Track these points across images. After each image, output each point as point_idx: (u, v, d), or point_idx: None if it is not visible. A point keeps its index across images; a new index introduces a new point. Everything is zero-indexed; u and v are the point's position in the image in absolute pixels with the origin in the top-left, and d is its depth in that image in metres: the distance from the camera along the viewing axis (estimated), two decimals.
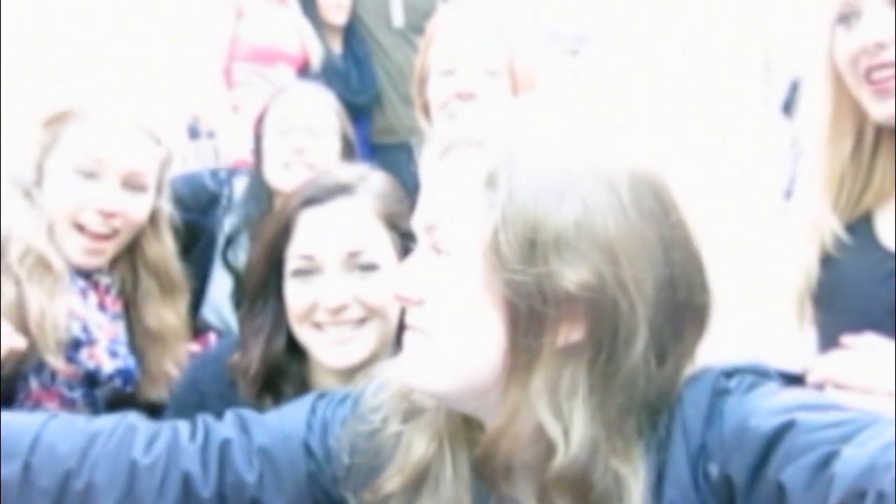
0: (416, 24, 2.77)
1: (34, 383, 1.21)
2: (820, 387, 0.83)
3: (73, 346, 1.22)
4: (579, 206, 0.61)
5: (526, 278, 0.61)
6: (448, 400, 0.70)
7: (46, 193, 1.21)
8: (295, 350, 1.09)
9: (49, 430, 0.74)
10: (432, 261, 0.67)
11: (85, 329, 1.23)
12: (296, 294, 1.05)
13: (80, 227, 1.20)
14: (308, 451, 0.78)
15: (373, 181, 1.08)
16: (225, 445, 0.77)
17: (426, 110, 1.51)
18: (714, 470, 0.62)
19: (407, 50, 2.72)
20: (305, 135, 1.64)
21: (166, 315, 1.33)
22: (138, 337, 1.31)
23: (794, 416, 0.59)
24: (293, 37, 2.62)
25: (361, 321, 1.04)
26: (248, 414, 0.81)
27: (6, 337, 1.01)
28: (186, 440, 0.76)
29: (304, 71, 2.66)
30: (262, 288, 1.09)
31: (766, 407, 0.62)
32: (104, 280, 1.29)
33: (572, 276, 0.60)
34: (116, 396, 1.31)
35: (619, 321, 0.62)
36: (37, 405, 1.22)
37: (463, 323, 0.65)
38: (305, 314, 1.04)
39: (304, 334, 1.05)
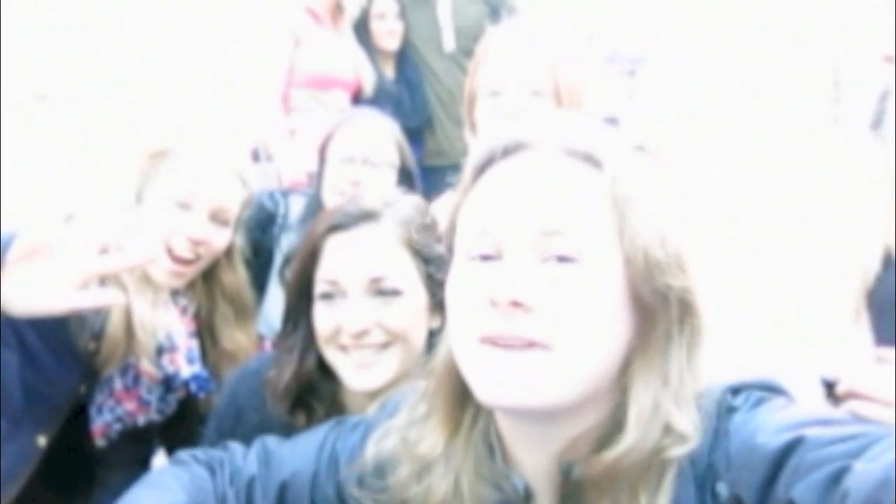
0: (467, 48, 2.88)
1: (118, 384, 1.35)
2: (846, 397, 0.85)
3: (157, 352, 1.35)
4: (678, 224, 0.69)
5: (663, 286, 0.66)
6: (558, 412, 0.68)
7: (143, 218, 1.35)
8: (326, 369, 1.12)
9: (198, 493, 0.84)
10: (549, 268, 0.66)
11: (168, 337, 1.37)
12: (322, 317, 1.08)
13: (169, 251, 1.33)
14: (315, 484, 0.83)
15: (399, 208, 1.11)
16: (250, 484, 0.85)
17: (475, 130, 1.59)
18: (723, 490, 0.63)
19: (457, 73, 2.83)
20: (364, 166, 1.74)
21: (240, 337, 1.46)
22: (212, 356, 1.44)
23: (801, 432, 0.60)
24: (347, 63, 2.76)
25: (384, 345, 1.06)
26: (271, 446, 0.89)
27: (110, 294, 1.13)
28: (227, 485, 0.85)
29: (357, 96, 2.80)
30: (295, 309, 1.14)
31: (773, 423, 0.62)
32: (182, 301, 1.43)
33: (686, 281, 0.67)
34: (181, 409, 1.44)
35: (697, 319, 0.69)
36: (117, 404, 1.35)
37: (593, 330, 0.65)
38: (331, 337, 1.08)
39: (330, 356, 1.09)
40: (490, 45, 1.59)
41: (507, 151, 0.70)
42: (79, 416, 1.34)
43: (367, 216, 1.09)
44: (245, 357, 1.43)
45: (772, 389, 0.68)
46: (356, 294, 1.06)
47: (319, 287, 1.09)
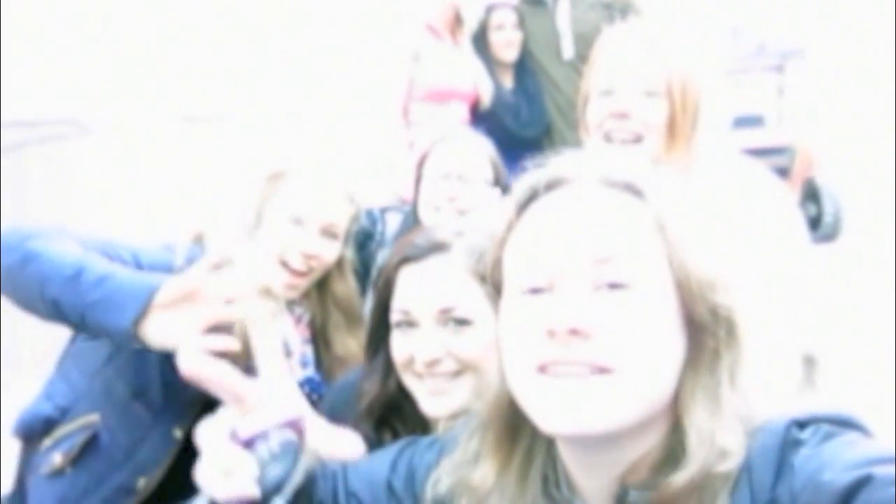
0: (586, 55, 2.88)
1: None
2: None
3: None
4: (721, 247, 0.73)
5: (712, 306, 0.70)
6: (620, 436, 0.70)
7: (262, 234, 1.51)
8: (407, 391, 1.18)
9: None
10: (603, 295, 0.69)
11: (285, 343, 1.51)
12: (398, 345, 1.15)
13: (284, 264, 1.48)
14: (391, 490, 0.88)
15: (470, 237, 1.15)
16: (335, 476, 0.93)
17: (588, 131, 1.61)
18: None
19: (577, 81, 2.82)
20: (458, 183, 1.83)
21: (351, 343, 1.58)
22: (326, 361, 1.58)
23: (870, 470, 0.59)
24: (465, 76, 2.85)
25: (456, 374, 1.12)
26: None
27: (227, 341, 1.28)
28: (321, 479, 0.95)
29: (476, 107, 2.89)
30: (374, 336, 1.22)
31: (841, 460, 0.62)
32: (297, 310, 1.58)
33: (729, 300, 0.71)
34: None
35: (740, 337, 0.72)
36: None
37: (651, 353, 0.68)
38: (406, 364, 1.15)
39: (408, 381, 1.16)
40: (604, 44, 1.60)
41: (549, 186, 0.75)
42: (209, 411, 1.51)
43: (437, 247, 1.14)
44: (356, 362, 1.55)
45: (843, 423, 0.68)
46: (427, 324, 1.12)
47: (394, 316, 1.15)
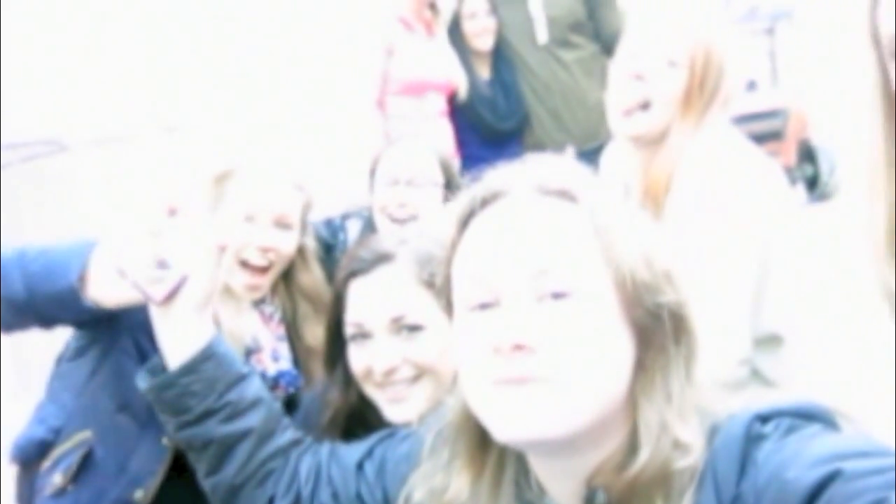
0: (561, 39, 2.92)
1: None
2: None
3: (246, 354, 1.53)
4: (661, 245, 0.75)
5: (654, 305, 0.71)
6: (577, 442, 0.71)
7: (216, 236, 1.54)
8: (369, 401, 1.20)
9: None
10: (546, 306, 0.70)
11: (254, 339, 1.55)
12: (355, 358, 1.18)
13: (244, 264, 1.50)
14: (360, 470, 0.93)
15: (413, 246, 1.18)
16: (320, 460, 1.00)
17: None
18: None
19: (552, 65, 2.88)
20: (408, 188, 1.89)
21: (321, 333, 1.54)
22: (301, 354, 1.61)
23: (838, 465, 0.59)
24: (440, 66, 2.86)
25: (414, 379, 1.15)
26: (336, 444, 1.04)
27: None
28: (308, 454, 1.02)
29: (453, 98, 2.90)
30: (332, 350, 1.25)
31: (806, 456, 0.62)
32: (268, 308, 1.61)
33: (677, 296, 0.73)
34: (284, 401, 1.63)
35: (692, 332, 0.74)
36: None
37: (596, 358, 0.69)
38: (365, 375, 1.17)
39: (368, 391, 1.19)
40: (639, 12, 1.63)
41: (486, 201, 0.76)
42: None
43: (382, 258, 1.18)
44: None
45: (806, 416, 0.69)
46: (380, 334, 1.15)
47: (348, 330, 1.19)
